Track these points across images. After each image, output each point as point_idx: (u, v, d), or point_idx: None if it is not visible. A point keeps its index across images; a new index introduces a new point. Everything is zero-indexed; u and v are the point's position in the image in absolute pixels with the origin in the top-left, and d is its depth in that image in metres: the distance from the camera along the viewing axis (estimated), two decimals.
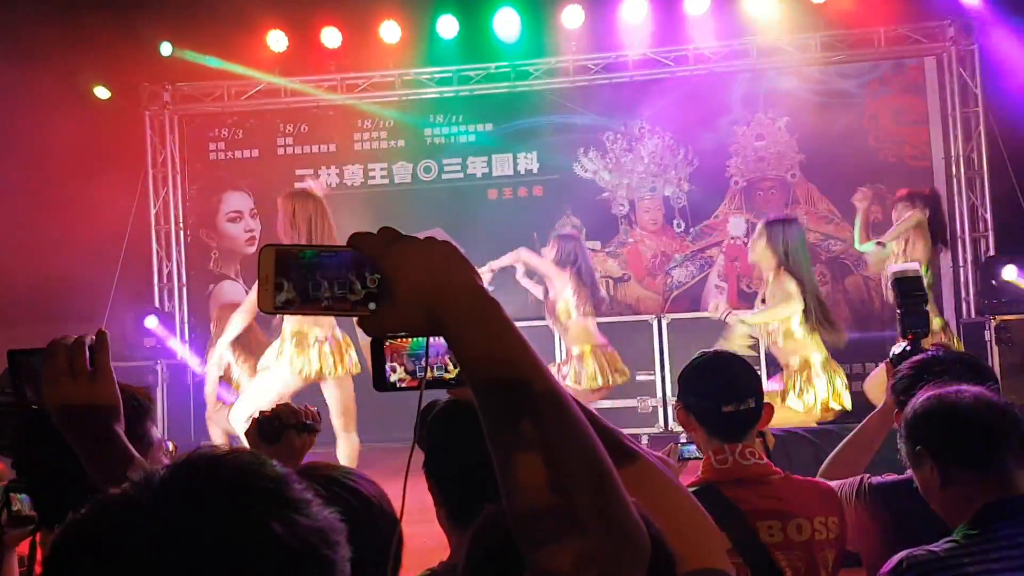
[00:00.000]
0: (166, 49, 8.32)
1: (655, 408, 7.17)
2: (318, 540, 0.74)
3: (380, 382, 1.11)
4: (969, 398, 1.75)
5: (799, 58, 8.21)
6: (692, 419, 2.15)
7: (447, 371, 1.13)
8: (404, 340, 1.11)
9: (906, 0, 7.85)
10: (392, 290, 0.88)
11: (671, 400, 6.77)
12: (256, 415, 1.97)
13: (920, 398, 1.82)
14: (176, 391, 7.76)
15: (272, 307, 0.91)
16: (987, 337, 7.05)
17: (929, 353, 2.36)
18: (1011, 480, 1.70)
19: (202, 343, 8.71)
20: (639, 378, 7.17)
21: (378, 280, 0.90)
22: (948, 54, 8.11)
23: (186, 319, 8.77)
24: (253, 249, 6.38)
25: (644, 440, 6.88)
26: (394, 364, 1.11)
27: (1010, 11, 7.37)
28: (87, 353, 1.45)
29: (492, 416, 0.86)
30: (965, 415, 1.73)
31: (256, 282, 0.93)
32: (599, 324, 6.13)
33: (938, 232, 6.34)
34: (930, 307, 5.41)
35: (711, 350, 2.40)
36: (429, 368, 1.11)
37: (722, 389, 2.13)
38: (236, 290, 8.63)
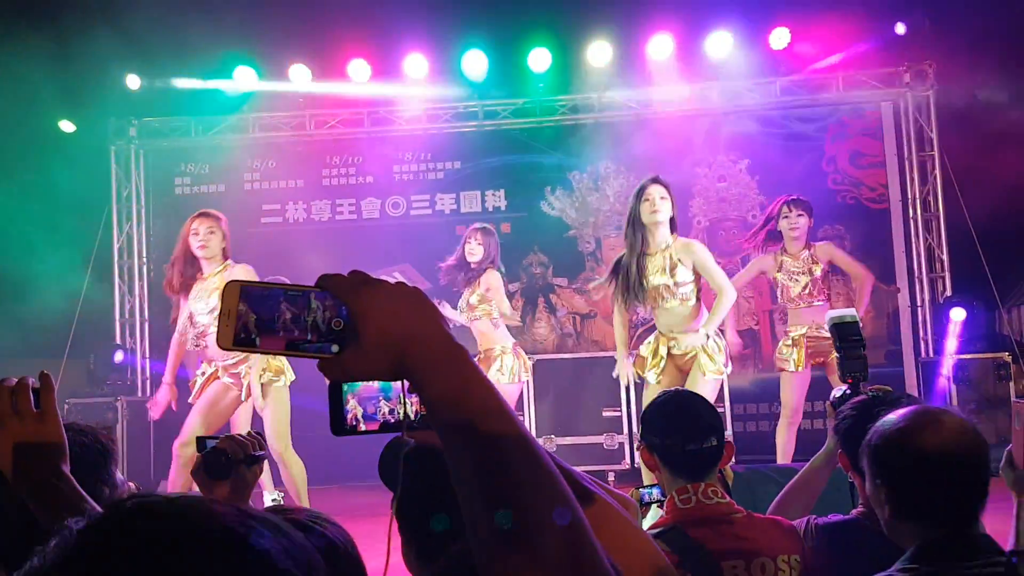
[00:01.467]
0: (133, 82, 8.31)
1: (621, 444, 7.20)
2: None
3: (338, 426, 1.08)
4: (942, 443, 1.63)
5: (760, 102, 8.40)
6: (656, 458, 2.17)
7: (408, 413, 1.11)
8: (367, 384, 1.09)
9: (863, 47, 8.07)
10: (359, 334, 0.87)
11: (637, 436, 6.77)
12: (201, 453, 1.94)
13: (894, 422, 1.69)
14: (136, 429, 7.64)
15: (231, 343, 0.89)
16: (945, 375, 7.18)
17: (869, 394, 2.38)
18: (962, 519, 1.65)
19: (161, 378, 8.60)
20: (605, 414, 7.20)
21: (343, 323, 0.89)
22: (904, 99, 8.35)
23: (147, 354, 8.66)
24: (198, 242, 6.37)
25: (611, 477, 6.88)
26: (353, 408, 1.08)
27: (964, 57, 7.62)
28: (31, 395, 1.44)
29: (460, 463, 0.86)
30: (936, 465, 1.63)
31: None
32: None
33: None
34: None
35: (672, 389, 2.44)
36: (392, 411, 1.10)
37: (685, 428, 2.15)
38: None
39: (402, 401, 1.07)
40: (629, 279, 5.14)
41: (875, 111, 8.55)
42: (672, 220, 5.14)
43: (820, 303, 5.89)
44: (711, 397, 4.97)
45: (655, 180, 5.16)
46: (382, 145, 8.81)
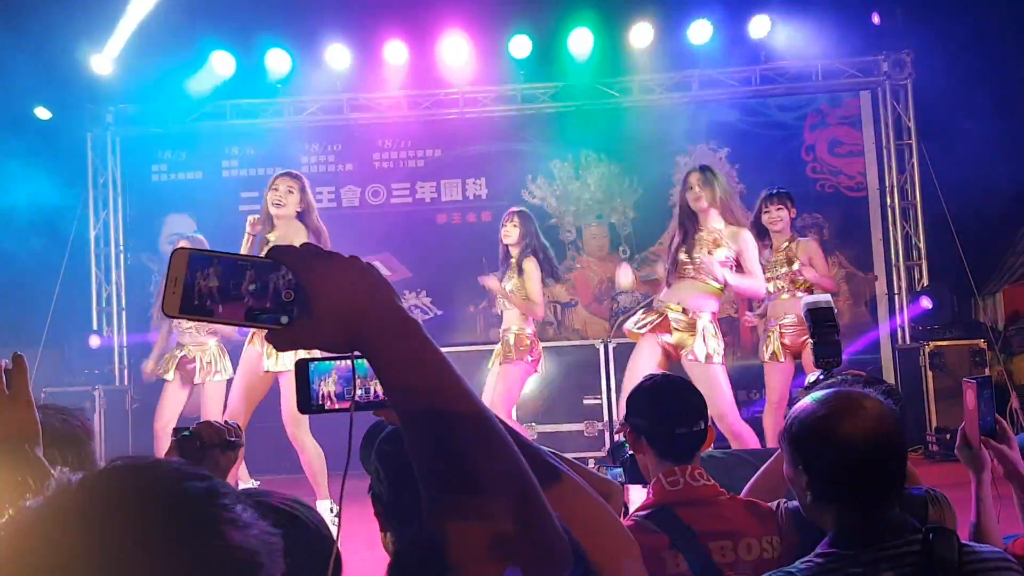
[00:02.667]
0: (100, 65, 8.15)
1: (601, 431, 7.22)
2: (247, 558, 0.72)
3: (305, 404, 1.09)
4: (861, 429, 1.64)
5: (739, 91, 8.42)
6: (643, 441, 2.19)
7: (377, 393, 1.11)
8: (335, 364, 1.10)
9: (842, 36, 8.11)
10: (311, 306, 0.86)
11: (618, 421, 6.80)
12: (176, 436, 1.94)
13: (813, 408, 1.69)
14: (114, 418, 7.58)
15: (177, 311, 0.87)
16: (921, 362, 7.26)
17: (840, 378, 2.43)
18: (881, 501, 1.66)
19: (139, 367, 8.53)
20: (586, 402, 7.22)
21: (293, 294, 0.87)
22: (882, 88, 8.40)
23: (125, 343, 8.58)
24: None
25: (591, 463, 6.91)
26: (320, 386, 1.09)
27: (942, 46, 7.67)
28: (3, 377, 1.43)
29: (415, 433, 0.87)
30: (854, 451, 1.64)
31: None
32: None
33: None
34: None
35: (659, 373, 2.45)
36: (357, 389, 1.10)
37: (675, 412, 2.18)
38: None
39: (352, 380, 1.06)
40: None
41: (854, 100, 8.60)
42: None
43: (801, 294, 5.89)
44: (715, 383, 4.99)
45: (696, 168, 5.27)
46: (362, 132, 8.76)
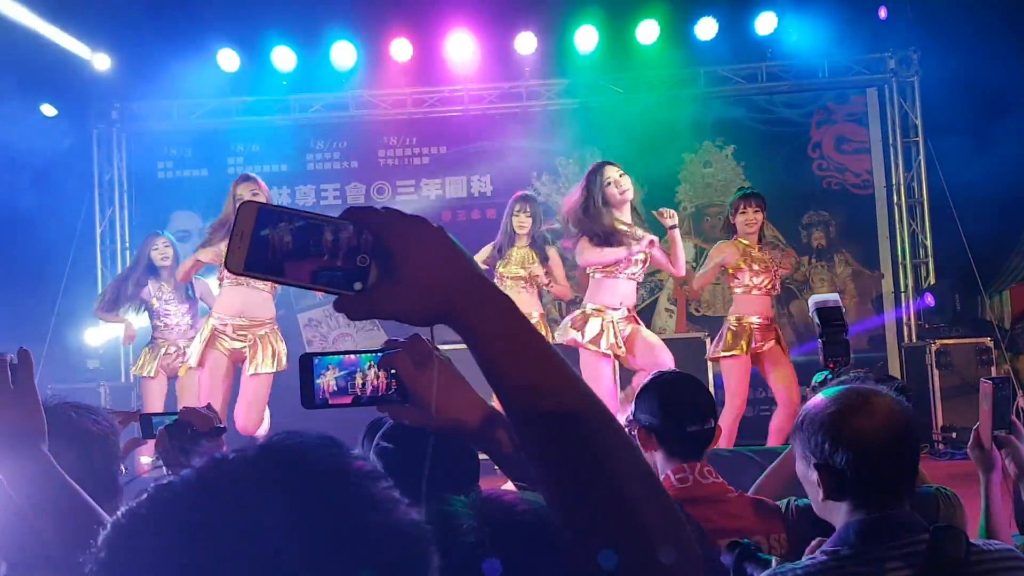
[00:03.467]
0: (102, 62, 8.17)
1: None
2: (414, 537, 0.67)
3: (309, 399, 1.07)
4: (873, 426, 1.64)
5: (745, 87, 8.40)
6: (653, 439, 2.18)
7: (380, 388, 1.10)
8: (338, 358, 1.08)
9: (849, 33, 8.08)
10: (395, 272, 0.80)
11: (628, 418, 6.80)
12: (163, 425, 1.95)
13: (824, 404, 1.69)
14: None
15: (242, 267, 0.81)
16: (928, 360, 7.24)
17: (852, 375, 2.44)
18: (892, 499, 1.67)
19: None
20: None
21: (369, 259, 0.81)
22: (889, 85, 8.37)
23: None
24: (158, 255, 6.37)
25: None
26: (325, 380, 1.07)
27: (949, 44, 7.64)
28: (8, 372, 1.42)
29: (529, 427, 0.79)
30: (867, 448, 1.64)
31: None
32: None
33: None
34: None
35: (669, 370, 2.45)
36: (366, 385, 1.10)
37: (687, 409, 2.17)
38: None
39: (354, 374, 1.06)
40: None
41: (860, 97, 8.57)
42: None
43: (773, 295, 5.97)
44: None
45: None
46: (367, 129, 8.75)
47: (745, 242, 5.92)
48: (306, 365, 1.07)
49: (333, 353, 1.11)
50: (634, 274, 5.44)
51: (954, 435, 6.70)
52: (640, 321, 5.55)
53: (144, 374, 6.26)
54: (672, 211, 5.38)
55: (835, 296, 3.11)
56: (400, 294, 0.80)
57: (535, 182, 8.60)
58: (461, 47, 8.25)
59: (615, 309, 5.36)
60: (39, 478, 1.38)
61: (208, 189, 8.66)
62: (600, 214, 5.27)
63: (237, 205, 0.86)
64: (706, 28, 8.10)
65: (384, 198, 8.72)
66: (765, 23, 8.09)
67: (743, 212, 5.88)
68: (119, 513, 0.63)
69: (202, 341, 5.38)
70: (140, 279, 6.37)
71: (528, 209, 6.09)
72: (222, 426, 1.98)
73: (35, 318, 7.63)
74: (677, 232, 5.38)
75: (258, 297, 5.38)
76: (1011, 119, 7.23)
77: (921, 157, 8.21)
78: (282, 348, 5.45)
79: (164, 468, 1.98)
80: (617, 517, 0.76)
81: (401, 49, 8.31)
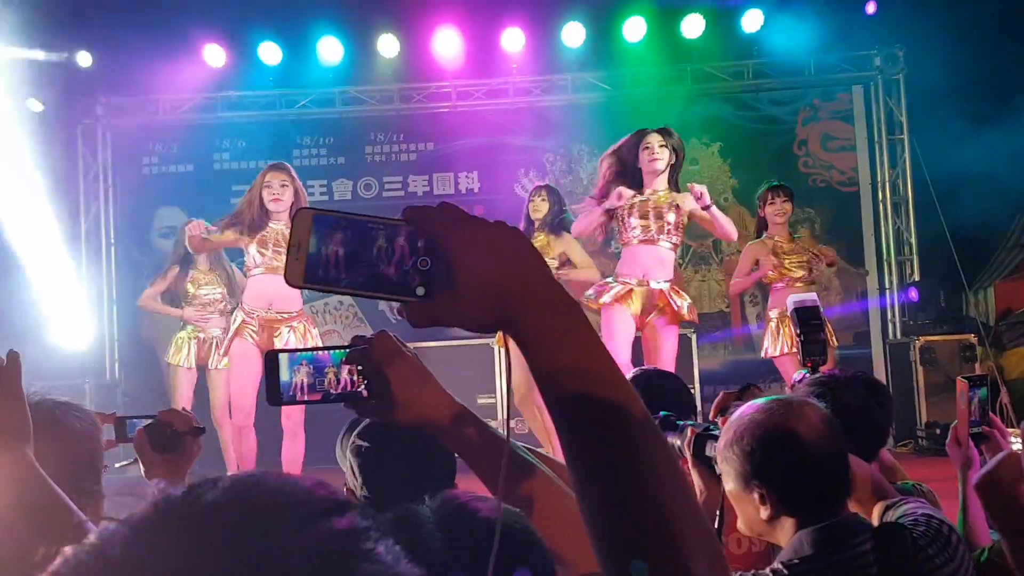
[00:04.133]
0: (84, 59, 8.13)
1: None
2: None
3: (274, 396, 1.05)
4: (815, 436, 1.65)
5: (732, 85, 8.42)
6: None
7: (348, 385, 1.09)
8: (303, 355, 1.07)
9: (835, 30, 8.11)
10: (456, 279, 0.76)
11: None
12: (140, 425, 1.94)
13: (759, 419, 1.68)
14: (104, 412, 7.55)
15: (301, 280, 0.78)
16: (912, 357, 7.28)
17: (829, 372, 2.46)
18: (835, 505, 1.69)
19: (130, 361, 8.51)
20: None
21: (430, 263, 0.78)
22: (875, 82, 8.41)
23: (115, 336, 8.55)
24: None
25: None
26: (292, 376, 1.06)
27: (935, 41, 7.68)
28: None
29: (580, 443, 0.76)
30: (815, 463, 1.65)
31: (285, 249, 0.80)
32: None
33: None
34: None
35: (650, 367, 2.46)
36: (339, 382, 1.08)
37: (672, 406, 2.19)
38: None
39: (324, 370, 1.04)
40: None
41: (846, 94, 8.61)
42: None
43: (802, 286, 5.96)
44: (674, 348, 5.10)
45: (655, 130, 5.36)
46: (354, 125, 8.73)
47: (776, 238, 5.96)
48: (271, 362, 1.06)
49: (302, 350, 1.10)
50: (647, 238, 5.25)
51: (938, 431, 6.75)
52: (673, 312, 5.22)
53: (178, 363, 6.23)
54: (702, 188, 5.19)
55: (813, 295, 3.13)
56: (461, 302, 0.76)
57: (523, 179, 8.61)
58: (448, 43, 8.24)
59: (634, 280, 5.24)
60: (21, 482, 1.38)
61: (194, 185, 8.64)
62: (622, 164, 5.24)
63: (292, 213, 0.82)
64: (693, 25, 8.12)
65: (371, 194, 8.71)
66: (751, 20, 8.11)
67: (771, 203, 5.99)
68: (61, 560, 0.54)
69: (232, 332, 5.34)
70: (182, 268, 6.38)
71: (544, 194, 6.08)
72: (201, 427, 1.98)
73: (19, 314, 7.58)
74: (714, 209, 5.23)
75: (285, 287, 5.33)
76: (996, 116, 7.27)
77: (906, 155, 8.26)
78: (315, 333, 5.43)
79: (140, 467, 1.98)
80: (654, 527, 0.73)
81: (388, 45, 8.29)
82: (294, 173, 5.38)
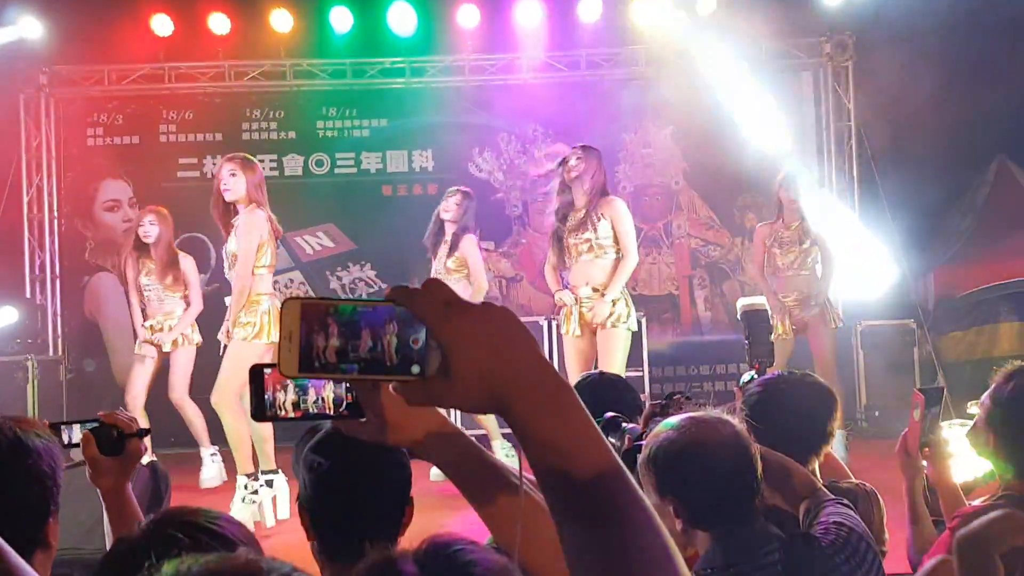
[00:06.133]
0: (31, 28, 7.84)
1: None
2: None
3: (260, 411, 1.04)
4: (724, 453, 1.74)
5: (684, 69, 8.46)
6: None
7: (332, 402, 1.06)
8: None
9: (787, 16, 8.18)
10: (451, 366, 0.78)
11: None
12: (85, 429, 1.92)
13: (672, 436, 1.76)
14: (48, 390, 7.41)
15: (296, 371, 0.80)
16: (854, 341, 7.48)
17: (776, 374, 2.56)
18: (745, 517, 1.77)
19: (75, 336, 8.36)
20: None
21: (421, 342, 0.79)
22: (824, 69, 8.53)
23: (59, 311, 8.38)
24: (132, 240, 6.14)
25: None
26: (275, 393, 1.04)
27: (884, 29, 7.80)
28: None
29: (568, 518, 0.78)
30: (718, 473, 1.73)
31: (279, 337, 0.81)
32: None
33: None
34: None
35: (594, 372, 2.51)
36: (317, 400, 1.05)
37: (619, 409, 2.24)
38: (112, 283, 8.30)
39: (306, 389, 1.01)
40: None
41: (796, 80, 8.71)
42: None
43: (805, 273, 6.01)
44: (624, 351, 5.12)
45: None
46: (305, 99, 8.61)
47: (783, 222, 6.02)
48: (257, 377, 1.04)
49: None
50: (573, 244, 5.26)
51: (876, 414, 6.97)
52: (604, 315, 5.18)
53: (142, 353, 6.09)
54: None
55: (762, 299, 3.22)
56: (457, 388, 0.78)
57: (476, 158, 8.59)
58: (403, 18, 8.14)
59: (567, 291, 5.31)
60: None
61: (139, 157, 8.46)
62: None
63: (281, 304, 0.82)
64: (646, 8, 8.13)
65: (322, 170, 8.61)
66: (705, 5, 8.15)
67: (787, 188, 6.01)
68: None
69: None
70: (130, 256, 6.19)
71: (459, 198, 6.01)
72: (145, 429, 1.97)
73: None
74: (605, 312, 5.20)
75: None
76: (942, 105, 7.42)
77: (852, 142, 8.41)
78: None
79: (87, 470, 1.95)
80: None
81: (341, 18, 8.17)
82: (246, 160, 5.18)
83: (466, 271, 5.92)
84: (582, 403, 0.80)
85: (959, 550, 1.68)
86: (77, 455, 1.94)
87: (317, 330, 0.80)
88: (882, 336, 7.46)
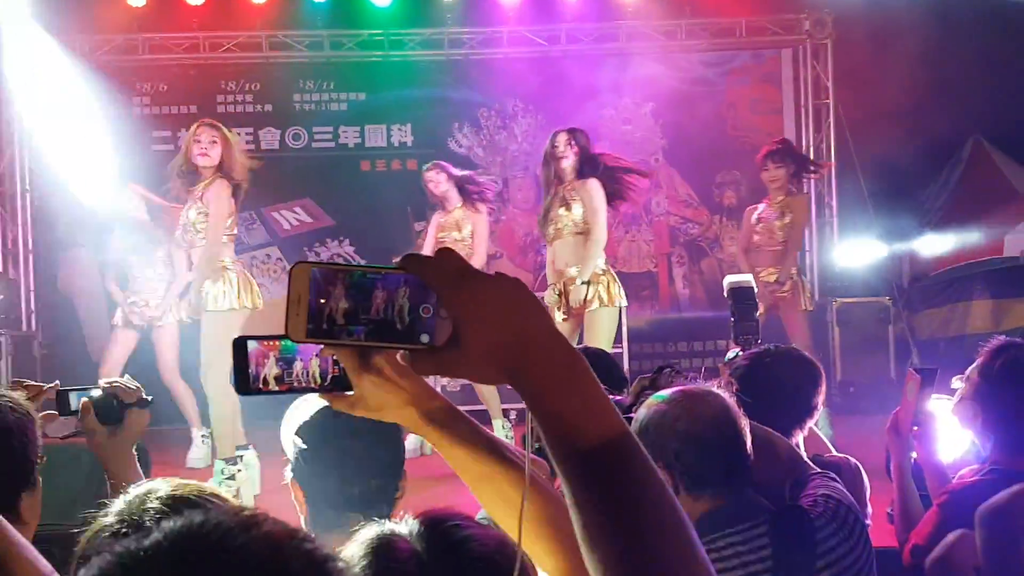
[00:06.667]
0: None
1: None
2: None
3: (243, 385, 1.01)
4: (714, 425, 1.77)
5: (664, 44, 8.46)
6: None
7: (318, 375, 1.04)
8: (275, 342, 1.01)
9: None
10: (461, 334, 0.77)
11: None
12: (87, 397, 1.90)
13: (664, 409, 1.80)
14: (22, 366, 7.31)
15: (304, 335, 0.79)
16: (829, 318, 7.55)
17: (763, 347, 2.60)
18: (737, 486, 1.80)
19: (48, 311, 8.25)
20: None
21: (432, 310, 0.79)
22: (803, 47, 8.55)
23: (32, 287, 8.26)
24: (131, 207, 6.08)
25: (512, 416, 6.99)
26: (259, 366, 1.01)
27: (863, 7, 7.82)
28: None
29: (581, 488, 0.77)
30: (709, 443, 1.76)
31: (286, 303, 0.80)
32: None
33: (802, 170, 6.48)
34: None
35: (580, 347, 2.51)
36: (305, 372, 1.01)
37: (603, 381, 2.24)
38: (87, 258, 8.18)
39: (293, 362, 0.99)
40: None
41: (775, 57, 8.73)
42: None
43: (778, 248, 6.07)
44: (610, 330, 5.16)
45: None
46: (282, 72, 8.50)
47: (764, 203, 6.11)
48: (240, 349, 1.00)
49: (272, 337, 1.02)
50: (553, 224, 5.35)
51: (851, 390, 7.05)
52: (583, 295, 5.20)
53: (122, 326, 6.02)
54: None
55: (748, 276, 3.23)
56: (468, 358, 0.77)
57: (456, 133, 8.53)
58: None
59: (549, 291, 5.42)
60: None
61: (113, 130, 8.30)
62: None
63: (289, 268, 0.81)
64: None
65: (300, 144, 8.52)
66: None
67: (765, 169, 6.05)
68: None
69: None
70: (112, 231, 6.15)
71: (435, 170, 6.07)
72: (148, 399, 1.95)
73: None
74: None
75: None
76: (920, 85, 7.47)
77: (831, 119, 8.45)
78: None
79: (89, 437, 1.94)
80: (653, 568, 0.75)
81: None
82: (224, 129, 5.20)
83: (457, 235, 5.92)
84: (594, 374, 0.79)
85: (983, 523, 1.70)
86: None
87: (327, 294, 0.79)
88: (857, 313, 7.54)
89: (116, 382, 1.95)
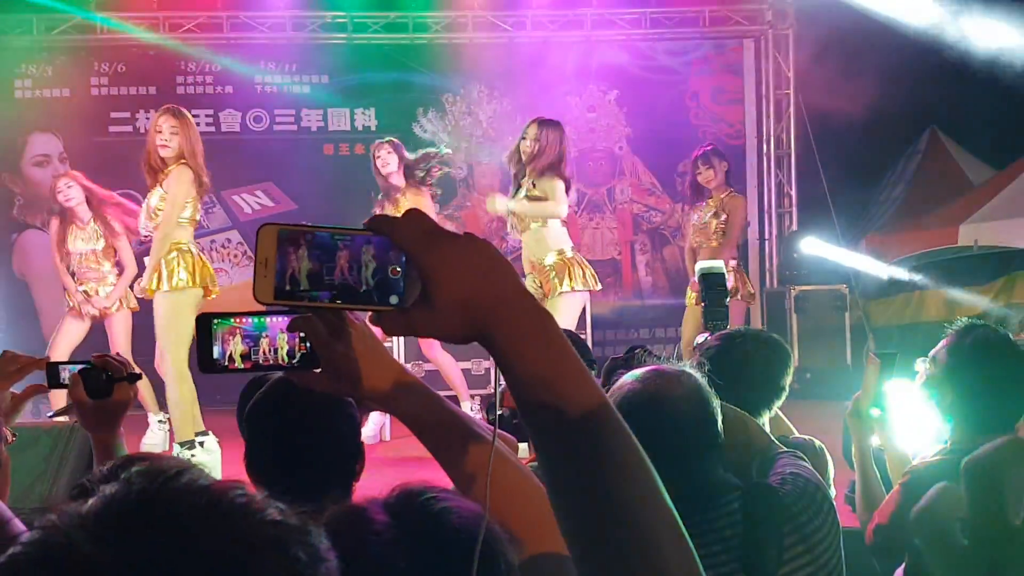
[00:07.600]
0: None
1: (488, 370, 7.34)
2: None
3: (208, 363, 0.99)
4: (685, 404, 1.77)
5: (629, 32, 8.49)
6: None
7: (285, 353, 1.02)
8: (240, 320, 1.00)
9: None
10: (431, 294, 0.77)
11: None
12: (75, 370, 1.90)
13: (635, 387, 1.79)
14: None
15: (272, 297, 0.78)
16: (787, 305, 7.68)
17: (735, 329, 2.67)
18: (705, 467, 1.80)
19: (3, 295, 8.08)
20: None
21: (401, 271, 0.79)
22: (765, 37, 8.64)
23: None
24: (62, 197, 5.91)
25: (476, 401, 7.02)
26: (224, 344, 0.99)
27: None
28: None
29: (554, 454, 0.77)
30: (684, 429, 1.76)
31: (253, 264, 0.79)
32: None
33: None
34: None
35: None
36: (272, 350, 1.01)
37: None
38: (42, 240, 8.01)
39: (258, 339, 0.99)
40: None
41: (737, 47, 8.81)
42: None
43: (714, 247, 6.15)
44: (572, 315, 5.20)
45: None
46: (243, 53, 8.38)
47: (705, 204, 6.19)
48: (204, 326, 0.99)
49: (237, 314, 1.02)
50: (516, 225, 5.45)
51: (808, 376, 7.18)
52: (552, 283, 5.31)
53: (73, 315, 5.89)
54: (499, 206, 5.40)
55: (720, 263, 3.28)
56: (438, 316, 0.77)
57: (421, 118, 8.49)
58: None
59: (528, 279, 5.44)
60: None
61: (70, 111, 8.15)
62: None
63: (257, 230, 0.79)
64: None
65: (261, 127, 8.43)
66: None
67: (698, 171, 6.16)
68: None
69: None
70: (56, 221, 5.97)
71: (390, 148, 6.10)
72: (137, 373, 1.95)
73: None
74: (512, 206, 5.38)
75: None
76: (879, 74, 7.59)
77: (791, 109, 8.55)
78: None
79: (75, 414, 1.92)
80: (627, 531, 0.75)
81: None
82: (187, 115, 5.14)
83: None
84: (565, 335, 0.79)
85: (966, 477, 1.72)
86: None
87: (294, 256, 0.78)
88: (814, 301, 7.67)
89: (106, 356, 1.94)
